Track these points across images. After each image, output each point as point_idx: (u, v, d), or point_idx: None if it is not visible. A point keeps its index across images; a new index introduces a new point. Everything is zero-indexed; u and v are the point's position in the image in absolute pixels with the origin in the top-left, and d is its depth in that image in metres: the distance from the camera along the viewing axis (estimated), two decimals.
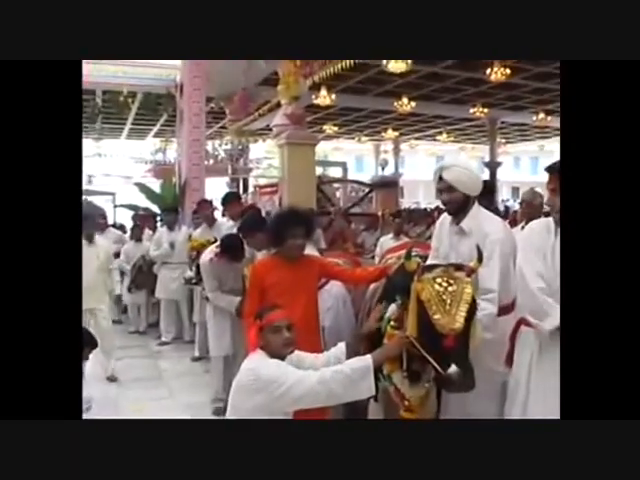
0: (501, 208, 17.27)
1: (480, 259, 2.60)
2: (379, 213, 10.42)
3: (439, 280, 2.47)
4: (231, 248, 4.75)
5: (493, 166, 20.41)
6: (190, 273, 5.87)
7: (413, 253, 2.76)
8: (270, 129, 10.53)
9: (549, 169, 2.69)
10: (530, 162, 39.81)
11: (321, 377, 2.42)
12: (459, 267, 2.57)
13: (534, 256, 2.63)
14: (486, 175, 20.17)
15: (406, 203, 23.93)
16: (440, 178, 3.17)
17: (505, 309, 3.00)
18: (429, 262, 3.08)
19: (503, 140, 24.02)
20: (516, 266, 2.77)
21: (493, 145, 20.44)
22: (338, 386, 2.41)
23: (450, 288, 2.44)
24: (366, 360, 2.51)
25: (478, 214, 3.18)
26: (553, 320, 2.50)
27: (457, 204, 3.17)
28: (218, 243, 4.96)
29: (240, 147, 15.64)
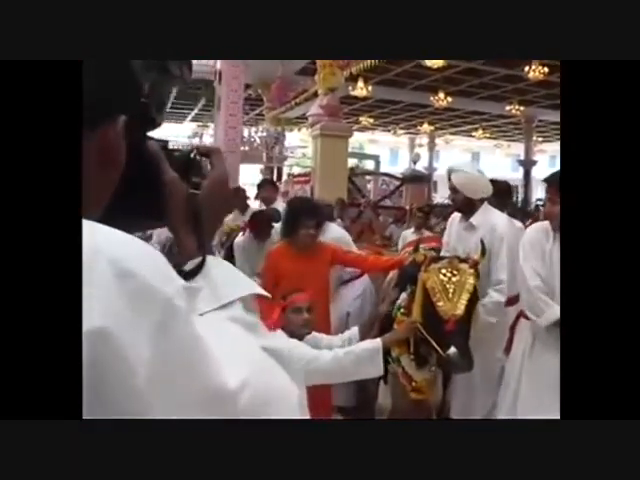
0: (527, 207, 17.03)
1: (483, 252, 2.83)
2: (407, 207, 10.52)
3: (444, 270, 2.70)
4: (257, 222, 4.99)
5: (528, 164, 20.25)
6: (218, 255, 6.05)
7: (422, 246, 3.00)
8: (306, 118, 10.66)
9: (547, 180, 2.88)
10: None
11: (334, 356, 2.62)
12: (463, 259, 2.79)
13: (533, 256, 2.82)
14: (520, 174, 20.04)
15: (439, 198, 23.79)
16: (449, 178, 3.41)
17: (511, 300, 3.19)
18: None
19: (539, 138, 23.76)
20: (513, 261, 2.96)
21: (529, 143, 20.27)
22: (349, 365, 2.60)
23: (454, 278, 2.66)
24: (376, 342, 2.69)
25: (486, 211, 3.45)
26: (548, 316, 2.69)
27: (458, 205, 3.51)
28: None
29: (276, 135, 15.77)
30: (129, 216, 0.74)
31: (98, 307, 0.52)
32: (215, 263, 0.83)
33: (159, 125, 0.84)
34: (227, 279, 0.82)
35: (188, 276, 0.78)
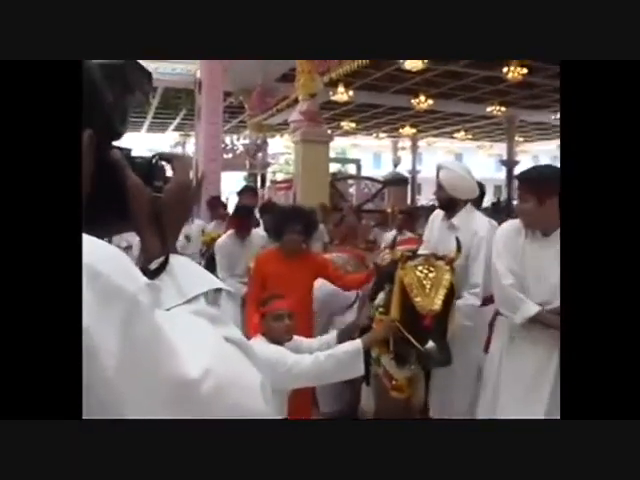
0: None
1: (459, 249, 2.86)
2: (389, 210, 10.54)
3: (420, 267, 2.75)
4: (238, 215, 5.22)
5: (511, 164, 20.34)
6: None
7: (399, 248, 3.06)
8: (288, 124, 10.68)
9: (519, 177, 2.90)
10: (549, 161, 39.12)
11: (315, 360, 2.63)
12: (440, 257, 2.83)
13: (506, 254, 2.82)
14: (503, 174, 20.10)
15: (423, 200, 23.86)
16: (438, 175, 3.44)
17: (490, 299, 3.19)
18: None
19: (521, 139, 23.86)
20: (491, 262, 2.95)
21: (511, 143, 20.35)
22: (330, 367, 2.62)
23: (430, 275, 2.70)
24: (356, 344, 2.71)
25: (469, 213, 3.46)
26: (523, 313, 2.68)
27: (442, 203, 3.52)
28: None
29: (258, 142, 15.77)
30: (97, 221, 0.79)
31: None
32: (178, 262, 0.87)
33: (122, 134, 0.89)
34: (190, 276, 0.87)
35: (153, 274, 0.83)
